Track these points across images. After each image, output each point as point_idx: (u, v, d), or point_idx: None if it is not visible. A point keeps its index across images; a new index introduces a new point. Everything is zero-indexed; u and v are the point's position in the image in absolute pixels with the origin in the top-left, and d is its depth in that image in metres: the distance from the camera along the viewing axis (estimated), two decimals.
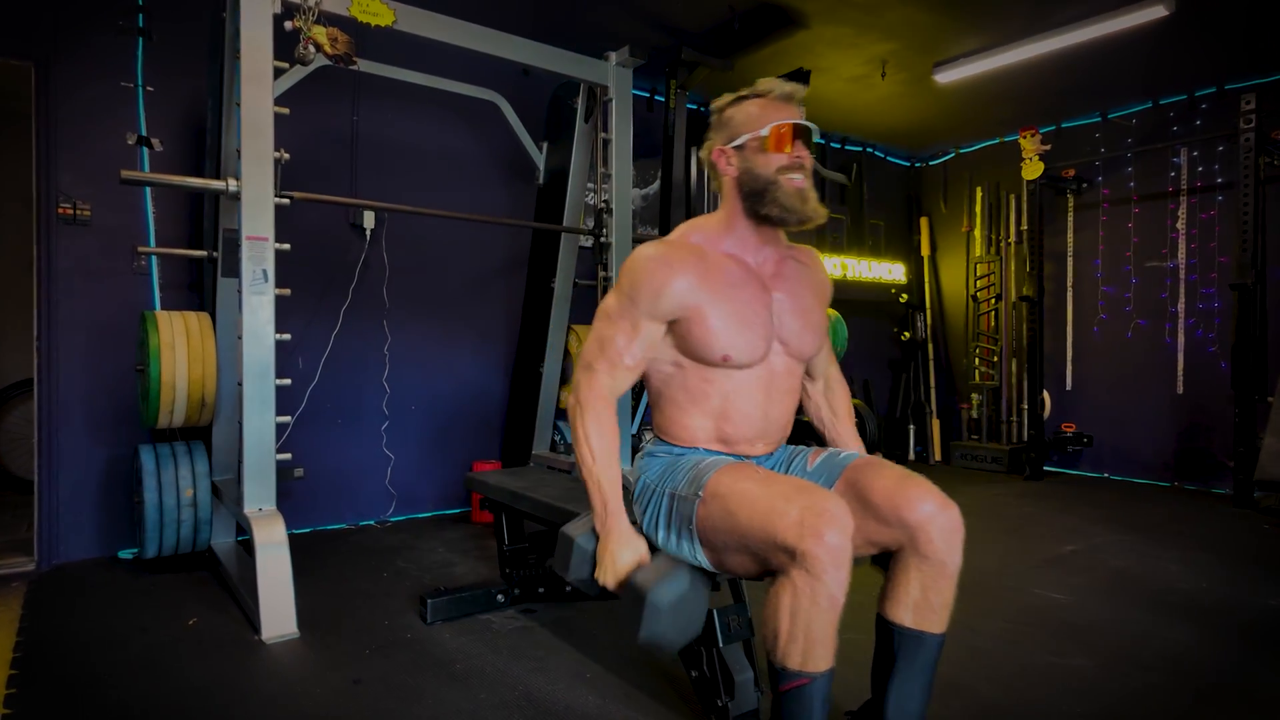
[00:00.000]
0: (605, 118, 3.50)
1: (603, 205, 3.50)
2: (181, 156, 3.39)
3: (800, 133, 1.58)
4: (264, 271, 2.59)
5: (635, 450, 3.83)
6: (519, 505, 2.33)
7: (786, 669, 1.35)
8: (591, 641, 2.32)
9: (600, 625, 2.45)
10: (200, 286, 3.41)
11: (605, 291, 3.53)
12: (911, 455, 6.19)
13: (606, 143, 3.47)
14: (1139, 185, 5.35)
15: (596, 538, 1.55)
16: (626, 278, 1.58)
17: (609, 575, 1.51)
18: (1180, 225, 5.15)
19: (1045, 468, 5.49)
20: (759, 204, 1.58)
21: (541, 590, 2.40)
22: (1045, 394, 5.51)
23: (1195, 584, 2.91)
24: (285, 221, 2.61)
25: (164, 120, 3.36)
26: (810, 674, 1.33)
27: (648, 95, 4.94)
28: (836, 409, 1.87)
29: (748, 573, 1.47)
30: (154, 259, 3.34)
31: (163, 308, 3.35)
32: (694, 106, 4.92)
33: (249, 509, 2.57)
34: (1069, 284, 5.74)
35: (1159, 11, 3.72)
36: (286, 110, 2.69)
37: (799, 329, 1.64)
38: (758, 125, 1.58)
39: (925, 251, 6.63)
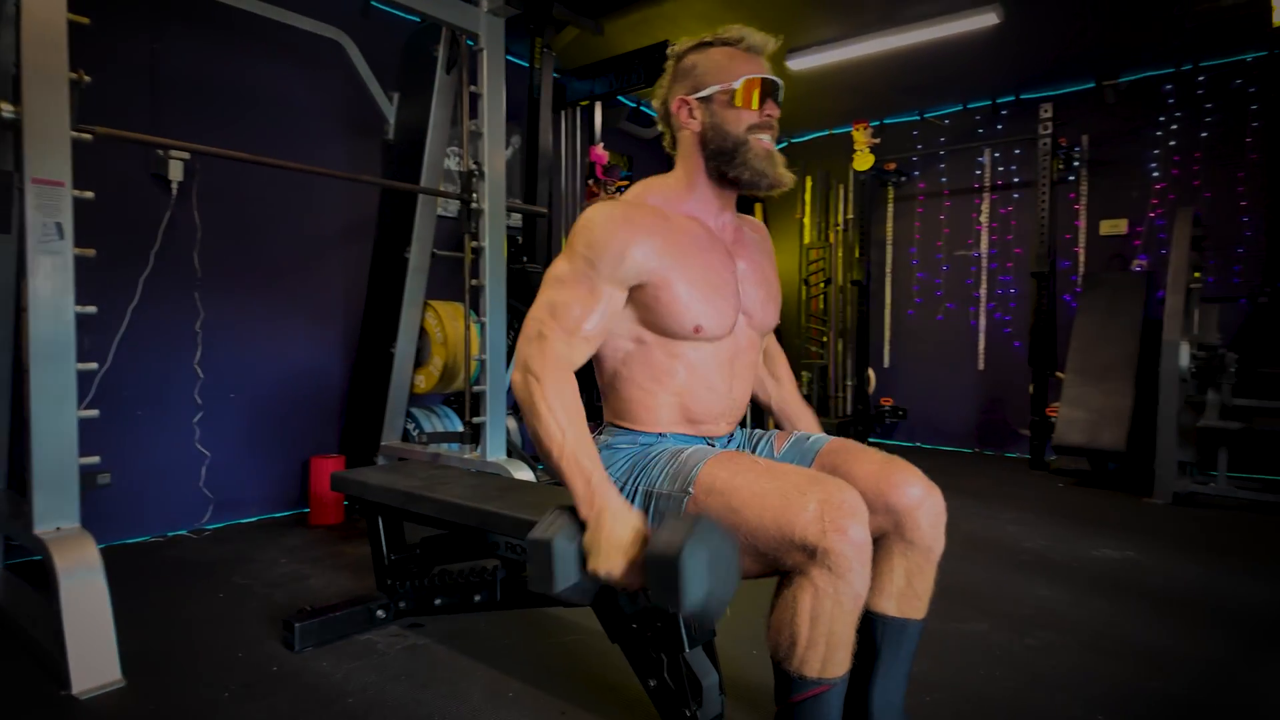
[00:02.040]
0: (474, 70, 3.15)
1: (472, 168, 3.16)
2: None
3: (771, 89, 1.45)
4: (58, 225, 2.03)
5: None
6: (417, 508, 2.01)
7: (804, 677, 1.23)
8: (500, 654, 2.08)
9: (504, 632, 2.20)
10: None
11: (474, 265, 3.20)
12: None
13: (476, 98, 3.13)
14: (950, 181, 5.89)
15: (580, 529, 1.27)
16: (581, 238, 1.38)
17: (613, 560, 1.21)
18: (983, 219, 5.74)
19: (869, 439, 5.92)
20: (726, 165, 1.45)
21: (439, 602, 2.10)
22: (870, 371, 5.93)
23: (1036, 542, 3.22)
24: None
25: None
26: (830, 680, 1.23)
27: None
28: (780, 376, 1.79)
29: (746, 574, 1.33)
30: None
31: None
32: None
33: (42, 529, 2.01)
34: (888, 270, 6.21)
35: (991, 19, 4.05)
36: (86, 20, 2.10)
37: (762, 299, 1.54)
38: (728, 77, 1.43)
39: None
